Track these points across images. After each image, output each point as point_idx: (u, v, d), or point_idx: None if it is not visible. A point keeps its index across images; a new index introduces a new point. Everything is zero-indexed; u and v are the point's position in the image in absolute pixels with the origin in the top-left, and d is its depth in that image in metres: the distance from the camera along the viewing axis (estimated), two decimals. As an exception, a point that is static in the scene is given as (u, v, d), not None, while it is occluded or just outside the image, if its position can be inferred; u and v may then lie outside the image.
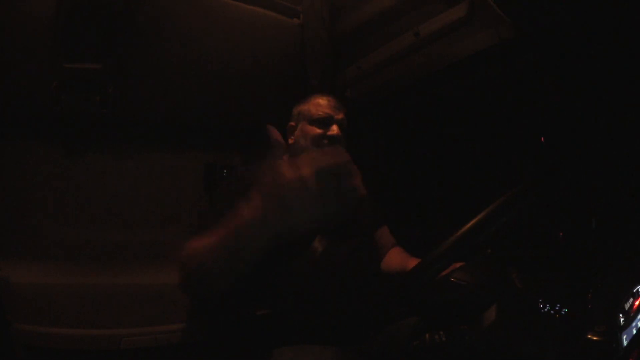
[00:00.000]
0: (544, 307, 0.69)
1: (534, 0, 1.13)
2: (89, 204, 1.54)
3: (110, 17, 1.34)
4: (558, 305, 0.69)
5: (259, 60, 1.63)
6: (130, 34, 1.39)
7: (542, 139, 1.46)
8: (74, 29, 1.33)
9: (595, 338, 0.58)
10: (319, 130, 1.18)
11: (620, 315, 0.61)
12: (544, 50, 1.27)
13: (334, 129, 1.18)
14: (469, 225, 0.73)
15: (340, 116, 1.21)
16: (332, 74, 1.74)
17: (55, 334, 1.30)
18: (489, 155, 1.69)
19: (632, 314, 0.59)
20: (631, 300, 0.62)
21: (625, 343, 0.54)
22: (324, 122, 1.19)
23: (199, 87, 1.60)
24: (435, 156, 1.89)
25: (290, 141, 1.24)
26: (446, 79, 1.53)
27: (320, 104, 1.23)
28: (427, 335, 0.73)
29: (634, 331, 0.55)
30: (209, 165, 1.75)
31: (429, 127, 1.89)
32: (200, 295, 0.93)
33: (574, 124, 1.36)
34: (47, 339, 1.28)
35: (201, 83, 1.59)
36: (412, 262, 1.20)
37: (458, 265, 0.83)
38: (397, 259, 1.27)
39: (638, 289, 0.63)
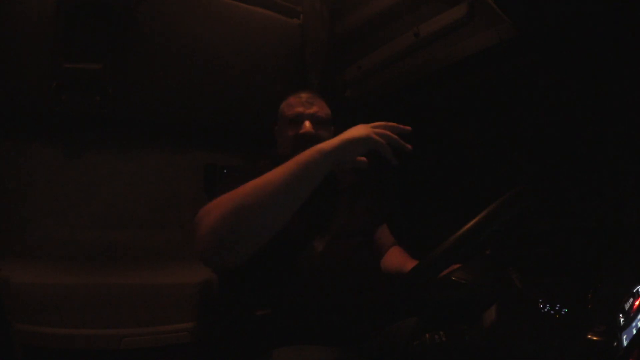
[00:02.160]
0: (544, 307, 0.69)
1: (534, 0, 1.12)
2: (89, 204, 1.54)
3: (110, 17, 1.34)
4: (558, 305, 0.69)
5: (259, 60, 1.63)
6: (130, 34, 1.39)
7: (542, 139, 1.46)
8: (74, 29, 1.33)
9: (595, 338, 0.58)
10: (292, 132, 1.14)
11: (620, 315, 0.61)
12: (544, 50, 1.27)
13: (305, 126, 1.13)
14: (469, 225, 0.73)
15: (312, 110, 1.16)
16: (332, 74, 1.74)
17: (55, 334, 1.30)
18: (488, 155, 1.69)
19: (632, 314, 0.59)
20: (631, 300, 0.62)
21: (625, 343, 0.54)
22: (296, 121, 1.15)
23: (199, 87, 1.60)
24: (435, 156, 1.89)
25: (277, 145, 1.23)
26: (446, 79, 1.53)
27: (291, 103, 1.18)
28: (427, 335, 0.73)
29: (634, 331, 0.55)
30: (209, 165, 1.75)
31: (428, 127, 1.89)
32: (232, 254, 0.83)
33: (574, 124, 1.36)
34: (47, 339, 1.28)
35: (201, 83, 1.59)
36: (412, 262, 1.20)
37: (456, 267, 0.83)
38: (396, 259, 1.26)
39: (638, 289, 0.64)
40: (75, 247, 1.50)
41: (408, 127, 0.97)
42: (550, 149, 1.45)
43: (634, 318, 0.57)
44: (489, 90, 1.54)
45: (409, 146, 0.95)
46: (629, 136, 1.22)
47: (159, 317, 1.44)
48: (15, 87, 1.40)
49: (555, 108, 1.42)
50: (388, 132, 0.94)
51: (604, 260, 1.08)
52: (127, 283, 1.47)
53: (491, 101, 1.60)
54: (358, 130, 0.93)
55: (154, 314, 1.44)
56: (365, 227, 1.21)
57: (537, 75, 1.40)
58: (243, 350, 1.06)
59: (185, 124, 1.73)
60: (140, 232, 1.61)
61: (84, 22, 1.33)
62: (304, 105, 1.16)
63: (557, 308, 0.68)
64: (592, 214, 1.26)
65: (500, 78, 1.44)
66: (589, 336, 0.58)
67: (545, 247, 1.39)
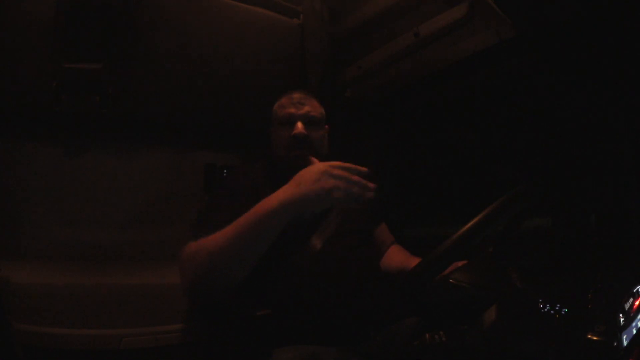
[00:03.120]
0: (544, 307, 0.69)
1: (534, 0, 1.12)
2: (89, 204, 1.54)
3: (110, 17, 1.34)
4: (558, 305, 0.69)
5: (259, 60, 1.63)
6: (130, 34, 1.39)
7: (542, 139, 1.46)
8: (74, 29, 1.33)
9: (595, 338, 0.58)
10: (285, 133, 1.14)
11: (620, 315, 0.61)
12: (544, 50, 1.27)
13: (298, 127, 1.12)
14: (470, 224, 0.73)
15: (303, 110, 1.16)
16: (332, 74, 1.74)
17: (55, 334, 1.30)
18: (488, 155, 1.69)
19: (632, 314, 0.59)
20: (631, 300, 0.62)
21: (625, 343, 0.54)
22: (288, 122, 1.15)
23: (199, 87, 1.60)
24: (434, 156, 1.89)
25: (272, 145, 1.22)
26: (446, 79, 1.53)
27: (283, 104, 1.18)
28: (427, 335, 0.73)
29: (634, 331, 0.55)
30: (209, 165, 1.75)
31: (428, 127, 1.89)
32: (211, 292, 0.96)
33: (574, 124, 1.37)
34: (47, 339, 1.28)
35: (201, 83, 1.59)
36: (413, 261, 1.20)
37: (460, 264, 0.83)
38: (397, 257, 1.26)
39: (638, 289, 0.64)
40: (75, 247, 1.50)
41: (364, 169, 0.85)
42: (550, 149, 1.45)
43: (634, 318, 0.57)
44: (489, 90, 1.54)
45: (371, 185, 0.84)
46: (629, 136, 1.22)
47: (159, 317, 1.44)
48: (15, 87, 1.40)
49: (555, 108, 1.42)
50: (346, 174, 0.83)
51: (604, 260, 1.08)
52: (127, 283, 1.46)
53: (491, 101, 1.60)
54: (316, 184, 0.82)
55: (154, 314, 1.44)
56: (363, 226, 1.21)
57: (537, 75, 1.40)
58: (243, 350, 1.06)
59: (185, 123, 1.73)
60: (140, 232, 1.61)
61: (83, 22, 1.33)
62: (295, 106, 1.16)
63: (557, 308, 0.68)
64: (593, 214, 1.25)
65: (500, 78, 1.44)
66: (589, 336, 0.58)
67: (545, 247, 1.39)
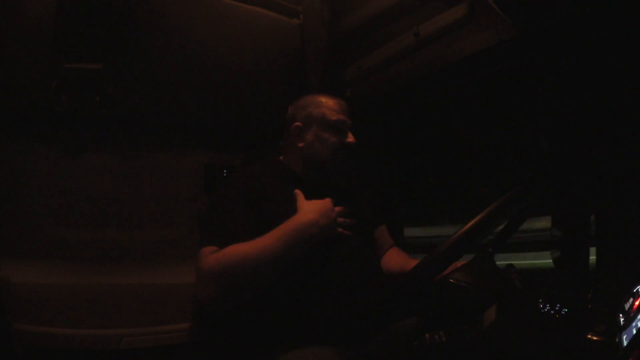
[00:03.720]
0: (544, 307, 0.69)
1: (534, 0, 1.12)
2: (89, 204, 1.54)
3: (110, 17, 1.34)
4: (558, 305, 0.69)
5: (259, 60, 1.63)
6: (130, 34, 1.39)
7: (542, 140, 1.47)
8: (74, 29, 1.33)
9: (595, 338, 0.58)
10: (336, 138, 1.15)
11: (620, 315, 0.61)
12: (544, 50, 1.27)
13: (352, 136, 1.16)
14: (470, 224, 0.73)
15: (351, 121, 1.20)
16: (332, 74, 1.74)
17: (55, 334, 1.30)
18: (489, 155, 1.69)
19: (632, 314, 0.59)
20: (631, 300, 0.62)
21: (625, 343, 0.54)
22: (340, 128, 1.16)
23: (199, 87, 1.60)
24: (435, 156, 1.89)
25: (300, 144, 1.17)
26: (446, 79, 1.53)
27: (335, 108, 1.18)
28: (427, 335, 0.73)
29: (634, 331, 0.55)
30: (209, 165, 1.75)
31: (429, 127, 1.89)
32: (236, 301, 0.98)
33: (574, 124, 1.37)
34: (47, 339, 1.28)
35: (201, 83, 1.59)
36: (412, 263, 1.20)
37: (459, 264, 0.83)
38: (396, 260, 1.26)
39: (638, 289, 0.63)
40: (75, 247, 1.50)
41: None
42: (550, 149, 1.45)
43: (634, 318, 0.57)
44: (489, 90, 1.54)
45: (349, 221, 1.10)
46: (629, 136, 1.22)
47: (159, 317, 1.44)
48: (15, 87, 1.40)
49: (555, 108, 1.42)
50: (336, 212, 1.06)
51: (604, 260, 1.08)
52: (127, 283, 1.47)
53: (491, 101, 1.60)
54: (326, 217, 1.03)
55: (154, 314, 1.44)
56: (364, 227, 1.21)
57: (537, 75, 1.40)
58: (243, 350, 1.06)
59: (185, 123, 1.73)
60: (140, 232, 1.61)
61: (84, 22, 1.33)
62: (346, 114, 1.19)
63: (557, 308, 0.68)
64: (593, 214, 1.25)
65: (500, 78, 1.44)
66: (589, 336, 0.58)
67: (546, 248, 1.39)
